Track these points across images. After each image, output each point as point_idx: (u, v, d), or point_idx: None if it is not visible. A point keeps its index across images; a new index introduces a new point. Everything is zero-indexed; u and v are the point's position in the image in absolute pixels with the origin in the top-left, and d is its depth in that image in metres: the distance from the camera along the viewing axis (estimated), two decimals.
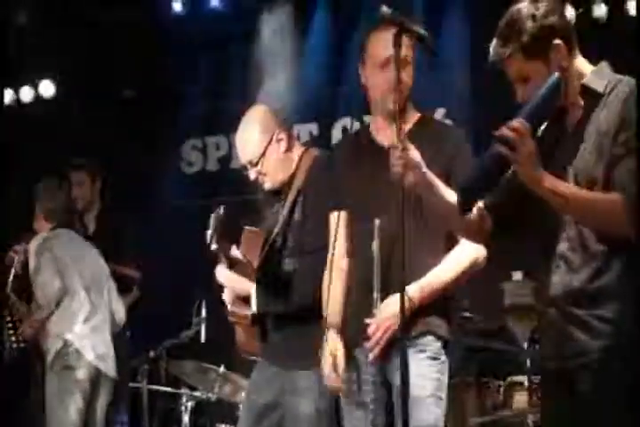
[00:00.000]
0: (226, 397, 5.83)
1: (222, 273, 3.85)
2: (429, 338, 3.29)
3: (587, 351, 2.63)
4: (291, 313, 3.70)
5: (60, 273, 5.24)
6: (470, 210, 2.78)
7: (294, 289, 3.69)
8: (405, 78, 3.32)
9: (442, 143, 3.36)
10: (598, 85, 2.70)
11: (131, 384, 5.54)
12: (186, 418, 5.84)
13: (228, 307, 3.84)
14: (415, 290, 3.24)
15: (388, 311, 3.23)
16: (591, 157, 2.64)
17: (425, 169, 2.88)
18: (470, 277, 3.39)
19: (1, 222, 5.64)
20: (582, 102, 2.72)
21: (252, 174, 3.87)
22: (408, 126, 3.38)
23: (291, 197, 3.80)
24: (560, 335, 2.70)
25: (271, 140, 3.83)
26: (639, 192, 2.53)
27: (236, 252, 3.76)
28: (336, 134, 7.12)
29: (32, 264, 5.34)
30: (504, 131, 2.56)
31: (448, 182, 3.01)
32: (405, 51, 3.23)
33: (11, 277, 5.44)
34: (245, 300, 3.77)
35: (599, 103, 2.68)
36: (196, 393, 5.89)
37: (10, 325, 5.57)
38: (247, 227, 3.93)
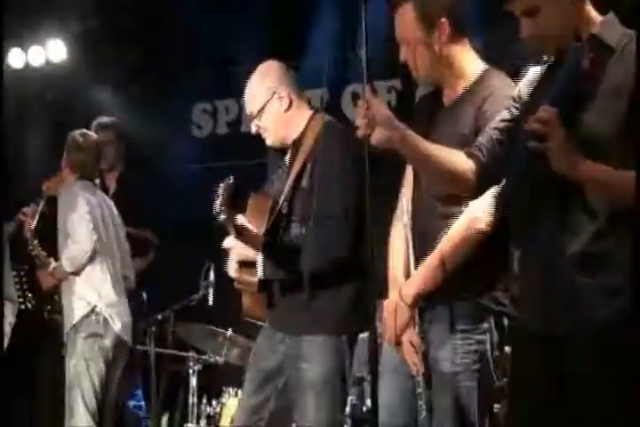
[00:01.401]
0: (233, 360, 5.87)
1: (229, 241, 3.84)
2: (462, 306, 3.16)
3: (581, 319, 2.57)
4: (296, 280, 3.69)
5: (95, 229, 5.14)
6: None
7: (300, 256, 3.67)
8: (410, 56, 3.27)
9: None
10: (610, 39, 2.59)
11: (139, 347, 5.56)
12: (193, 381, 5.88)
13: (234, 274, 3.84)
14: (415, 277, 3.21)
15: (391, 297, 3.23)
16: (603, 117, 2.54)
17: (399, 125, 2.84)
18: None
19: (15, 184, 5.59)
20: (591, 55, 2.56)
21: (253, 127, 3.90)
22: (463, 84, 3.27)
23: (298, 163, 3.78)
24: (552, 300, 2.63)
25: (272, 95, 3.83)
26: None
27: (242, 219, 3.75)
28: (346, 100, 7.09)
29: (63, 215, 5.19)
30: (532, 125, 2.49)
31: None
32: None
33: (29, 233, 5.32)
34: (251, 267, 3.77)
35: (611, 58, 2.57)
36: (204, 356, 5.93)
37: (18, 283, 5.58)
38: (254, 193, 3.93)
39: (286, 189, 3.78)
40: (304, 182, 3.75)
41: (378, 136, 2.85)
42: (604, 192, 2.56)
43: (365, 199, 2.87)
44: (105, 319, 5.04)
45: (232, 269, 3.85)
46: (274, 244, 3.73)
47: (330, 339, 3.67)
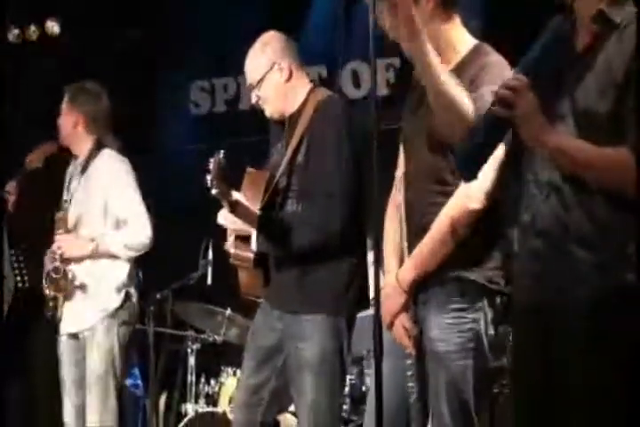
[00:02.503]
0: (232, 339, 5.87)
1: (223, 216, 3.82)
2: (455, 286, 3.13)
3: (572, 292, 2.56)
4: (291, 256, 3.68)
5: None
6: (475, 178, 2.71)
7: (296, 233, 3.66)
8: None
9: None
10: (616, 15, 2.57)
11: (138, 326, 5.54)
12: (192, 360, 5.88)
13: (230, 250, 3.82)
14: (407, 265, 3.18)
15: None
16: (596, 91, 2.53)
17: (420, 27, 2.78)
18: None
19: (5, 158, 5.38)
20: (595, 28, 2.59)
21: (253, 98, 3.89)
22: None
23: (295, 138, 3.76)
24: (545, 270, 2.62)
25: (272, 66, 3.82)
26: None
27: (237, 195, 3.73)
28: (345, 77, 7.06)
29: (103, 189, 4.77)
30: (501, 91, 2.49)
31: None
32: None
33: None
34: (247, 242, 3.75)
35: (613, 34, 2.56)
36: (202, 336, 5.92)
37: (15, 262, 5.51)
38: (250, 168, 3.91)
39: (283, 165, 3.77)
40: (300, 158, 3.74)
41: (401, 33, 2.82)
42: (571, 164, 2.54)
43: (367, 175, 2.84)
44: (134, 305, 4.85)
45: (229, 243, 3.84)
46: (269, 219, 3.71)
47: (327, 318, 3.65)
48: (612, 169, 2.51)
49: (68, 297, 4.78)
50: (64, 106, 4.95)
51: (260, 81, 3.83)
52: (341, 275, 3.67)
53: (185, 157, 7.30)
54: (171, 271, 5.84)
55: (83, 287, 4.77)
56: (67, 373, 4.84)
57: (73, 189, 4.90)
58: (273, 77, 3.83)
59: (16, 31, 7.39)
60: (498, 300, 3.16)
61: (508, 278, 3.14)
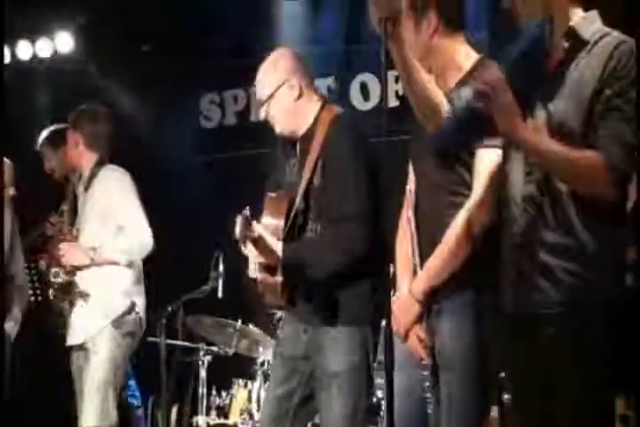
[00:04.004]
0: (243, 351, 5.87)
1: (247, 249, 3.78)
2: (466, 295, 3.16)
3: (549, 303, 2.65)
4: (319, 279, 3.66)
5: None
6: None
7: (322, 257, 3.63)
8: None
9: None
10: (585, 32, 2.70)
11: (149, 339, 5.55)
12: (203, 373, 5.88)
13: (257, 276, 3.79)
14: (419, 280, 3.22)
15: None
16: (568, 104, 2.64)
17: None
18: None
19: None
20: (566, 44, 2.71)
21: (262, 113, 3.87)
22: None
23: (311, 162, 3.73)
24: (524, 281, 2.71)
25: (283, 83, 3.80)
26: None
27: (259, 229, 3.68)
28: (354, 90, 7.07)
29: (106, 199, 4.88)
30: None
31: None
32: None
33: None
34: (272, 270, 3.72)
35: (584, 50, 2.68)
36: (213, 348, 5.93)
37: (33, 274, 5.54)
38: (270, 194, 3.88)
39: (301, 188, 3.74)
40: (317, 180, 3.72)
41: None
42: (542, 158, 2.64)
43: (380, 192, 2.86)
44: (140, 319, 4.91)
45: (252, 270, 3.81)
46: (293, 250, 3.68)
47: (353, 330, 3.65)
48: (581, 168, 2.60)
49: (72, 305, 4.85)
50: (69, 128, 5.17)
51: (270, 98, 3.81)
52: (365, 289, 3.66)
53: (196, 170, 7.33)
54: (182, 284, 5.85)
55: (86, 295, 4.82)
56: (78, 386, 4.89)
57: (79, 203, 5.02)
58: (283, 95, 3.80)
59: (27, 46, 7.44)
60: None
61: None
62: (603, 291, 2.59)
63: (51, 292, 4.88)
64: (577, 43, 2.70)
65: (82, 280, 4.85)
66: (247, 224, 3.55)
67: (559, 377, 2.62)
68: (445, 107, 2.89)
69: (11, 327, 4.86)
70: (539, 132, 2.64)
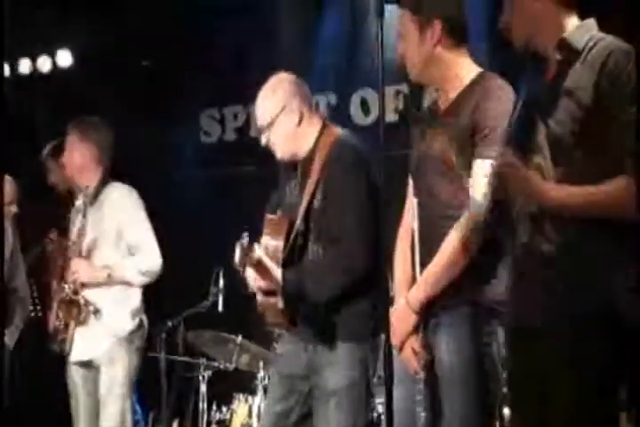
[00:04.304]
0: (243, 366, 5.87)
1: (249, 275, 3.79)
2: (465, 309, 3.16)
3: (545, 313, 2.65)
4: (320, 301, 3.67)
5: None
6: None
7: (323, 279, 3.63)
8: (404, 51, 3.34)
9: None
10: (578, 41, 2.68)
11: (149, 354, 5.55)
12: (203, 388, 5.88)
13: (257, 298, 3.79)
14: (415, 290, 3.21)
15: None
16: (565, 116, 2.62)
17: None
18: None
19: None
20: (558, 57, 2.71)
21: (263, 140, 3.86)
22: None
23: (311, 184, 3.74)
24: (524, 293, 2.72)
25: (283, 110, 3.79)
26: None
27: (259, 253, 3.68)
28: (354, 105, 7.10)
29: (117, 219, 4.85)
30: (495, 172, 2.66)
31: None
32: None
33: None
34: (273, 293, 3.73)
35: (578, 60, 2.65)
36: (214, 363, 5.93)
37: (32, 290, 5.52)
38: (269, 215, 3.89)
39: (301, 212, 3.74)
40: (317, 203, 3.72)
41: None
42: (577, 213, 2.62)
43: (379, 211, 2.88)
44: (145, 333, 4.90)
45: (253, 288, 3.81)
46: (293, 274, 3.68)
47: (352, 346, 3.65)
48: (614, 202, 2.58)
49: (81, 323, 4.78)
50: (72, 140, 5.05)
51: (271, 124, 3.80)
52: (365, 306, 3.66)
53: (196, 185, 7.34)
54: (182, 299, 5.86)
55: (97, 313, 4.77)
56: (82, 403, 4.83)
57: (84, 218, 4.94)
58: (283, 121, 3.79)
59: (27, 62, 7.47)
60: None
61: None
62: (601, 302, 2.57)
63: (57, 313, 4.82)
64: (570, 54, 2.68)
65: (93, 298, 4.79)
66: (247, 250, 3.56)
67: (557, 387, 2.61)
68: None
69: (11, 335, 4.90)
70: (563, 189, 2.63)
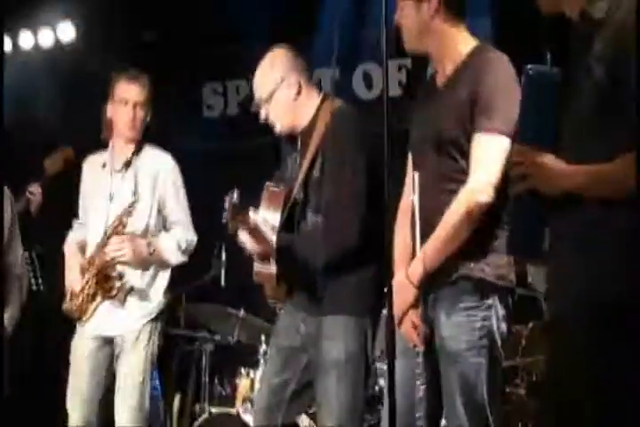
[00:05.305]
0: (245, 340, 5.88)
1: (244, 238, 3.79)
2: (465, 284, 3.16)
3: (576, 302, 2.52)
4: (317, 268, 3.69)
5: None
6: None
7: (318, 246, 3.66)
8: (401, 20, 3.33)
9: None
10: (598, 10, 2.51)
11: None
12: (205, 361, 5.89)
13: (254, 267, 3.80)
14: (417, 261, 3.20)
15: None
16: (589, 93, 2.48)
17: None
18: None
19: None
20: (578, 26, 2.56)
21: (262, 113, 3.88)
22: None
23: (310, 154, 3.77)
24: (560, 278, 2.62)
25: (281, 82, 3.82)
26: None
27: (256, 217, 3.70)
28: (357, 79, 7.07)
29: (159, 189, 4.65)
30: (514, 172, 2.57)
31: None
32: None
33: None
34: (268, 261, 3.74)
35: (598, 30, 2.49)
36: (216, 337, 5.94)
37: (29, 264, 5.50)
38: (269, 184, 3.90)
39: (299, 180, 3.77)
40: (315, 172, 3.74)
41: None
42: (599, 190, 2.50)
43: (382, 181, 2.86)
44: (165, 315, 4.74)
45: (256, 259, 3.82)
46: (287, 240, 3.71)
47: (352, 318, 3.68)
48: (627, 177, 2.43)
49: (111, 298, 4.54)
50: (132, 91, 4.69)
51: (269, 98, 3.83)
52: (364, 278, 3.69)
53: (198, 159, 7.32)
54: (183, 272, 5.86)
55: (131, 290, 4.56)
56: (89, 380, 4.59)
57: (114, 184, 4.65)
58: (282, 94, 3.82)
59: (29, 36, 7.42)
60: (509, 297, 3.19)
61: (519, 275, 3.18)
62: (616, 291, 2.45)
63: (88, 286, 4.55)
64: (590, 24, 2.52)
65: (130, 276, 4.58)
66: (239, 212, 3.57)
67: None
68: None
69: (9, 319, 4.67)
70: (580, 170, 2.50)
